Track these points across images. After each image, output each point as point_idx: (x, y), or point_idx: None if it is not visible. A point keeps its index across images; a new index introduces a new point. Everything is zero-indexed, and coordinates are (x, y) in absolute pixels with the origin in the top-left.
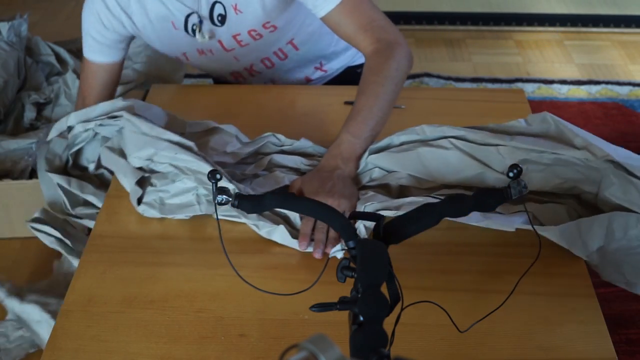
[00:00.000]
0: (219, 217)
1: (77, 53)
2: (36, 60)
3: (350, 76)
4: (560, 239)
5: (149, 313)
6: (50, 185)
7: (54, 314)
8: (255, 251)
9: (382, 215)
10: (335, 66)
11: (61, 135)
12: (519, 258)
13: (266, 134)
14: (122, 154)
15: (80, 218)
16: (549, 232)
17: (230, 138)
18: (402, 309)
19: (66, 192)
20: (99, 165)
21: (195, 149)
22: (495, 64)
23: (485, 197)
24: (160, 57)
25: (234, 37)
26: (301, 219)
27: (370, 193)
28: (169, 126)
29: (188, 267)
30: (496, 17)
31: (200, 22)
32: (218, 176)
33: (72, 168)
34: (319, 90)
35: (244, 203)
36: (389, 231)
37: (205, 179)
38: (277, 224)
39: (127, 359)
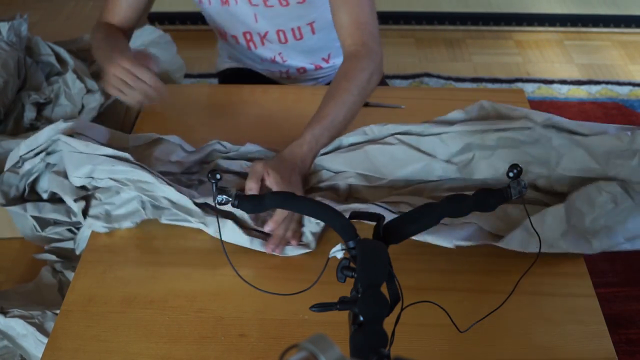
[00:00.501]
0: (165, 221)
1: (77, 53)
2: (36, 60)
3: None
4: (509, 246)
5: (149, 313)
6: (17, 215)
7: (38, 327)
8: (255, 251)
9: (382, 215)
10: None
11: (12, 169)
12: (519, 258)
13: (211, 142)
14: (66, 176)
15: (55, 239)
16: (499, 244)
17: (175, 147)
18: (402, 309)
19: (34, 217)
20: (53, 193)
21: (132, 159)
22: (495, 64)
23: (486, 197)
24: (160, 57)
25: None
26: (250, 216)
27: (318, 198)
28: (110, 142)
29: (188, 267)
30: (496, 17)
31: None
32: (218, 176)
33: (29, 195)
34: (319, 90)
35: (244, 203)
36: (389, 231)
37: (146, 186)
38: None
39: (127, 359)
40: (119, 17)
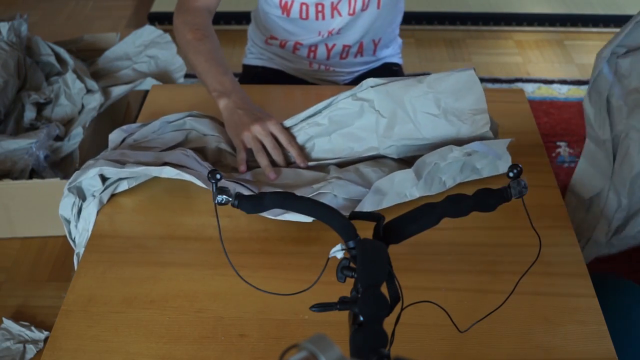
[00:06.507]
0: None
1: (77, 53)
2: (36, 60)
3: (386, 72)
4: (363, 208)
5: (149, 313)
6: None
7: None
8: (255, 251)
9: (382, 216)
10: (385, 55)
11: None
12: (519, 258)
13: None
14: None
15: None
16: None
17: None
18: (402, 309)
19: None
20: None
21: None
22: (495, 64)
23: (486, 197)
24: (160, 57)
25: None
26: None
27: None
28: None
29: (188, 267)
30: (496, 17)
31: None
32: (218, 176)
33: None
34: (320, 90)
35: (244, 203)
36: (389, 231)
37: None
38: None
39: (127, 359)
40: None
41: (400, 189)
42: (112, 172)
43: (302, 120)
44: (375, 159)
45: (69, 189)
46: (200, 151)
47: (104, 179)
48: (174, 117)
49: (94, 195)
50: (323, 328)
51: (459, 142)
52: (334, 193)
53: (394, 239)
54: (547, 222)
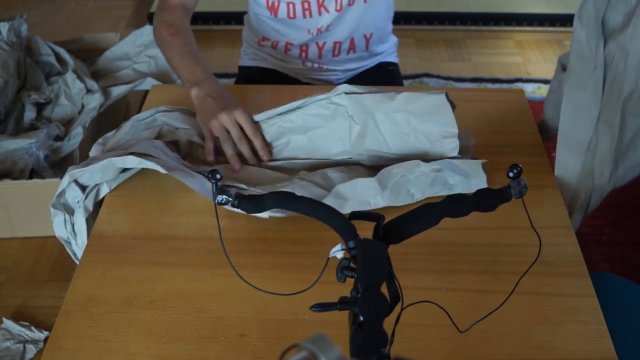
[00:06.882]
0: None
1: (77, 53)
2: (36, 60)
3: (382, 71)
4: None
5: (149, 313)
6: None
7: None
8: (255, 251)
9: (382, 216)
10: (380, 51)
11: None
12: (519, 258)
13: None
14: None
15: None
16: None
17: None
18: (402, 309)
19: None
20: None
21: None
22: (495, 64)
23: (486, 197)
24: (160, 57)
25: None
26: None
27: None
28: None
29: (188, 267)
30: (496, 17)
31: None
32: (218, 176)
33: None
34: (319, 90)
35: (244, 203)
36: (389, 231)
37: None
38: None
39: (127, 359)
40: None
41: (363, 197)
42: (84, 177)
43: (275, 115)
44: (346, 164)
45: (54, 206)
46: (173, 144)
47: (83, 188)
48: (144, 115)
49: (79, 206)
50: (323, 328)
51: (427, 160)
52: (298, 193)
53: (394, 239)
54: (547, 222)
